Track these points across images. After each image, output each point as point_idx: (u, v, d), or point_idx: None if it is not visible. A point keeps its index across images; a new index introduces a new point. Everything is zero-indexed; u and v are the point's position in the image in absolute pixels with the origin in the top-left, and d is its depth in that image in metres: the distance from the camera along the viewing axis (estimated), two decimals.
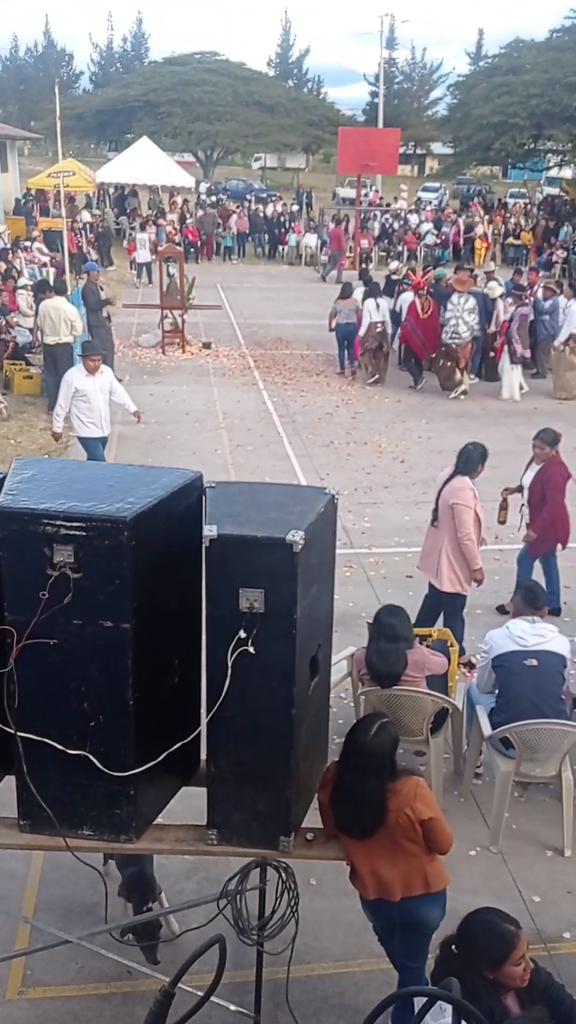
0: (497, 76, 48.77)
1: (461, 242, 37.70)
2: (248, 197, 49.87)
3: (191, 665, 4.37)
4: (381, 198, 49.20)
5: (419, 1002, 2.89)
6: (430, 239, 38.01)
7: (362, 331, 18.58)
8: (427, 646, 6.92)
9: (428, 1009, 2.57)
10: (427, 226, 39.56)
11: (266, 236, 40.10)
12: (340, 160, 37.30)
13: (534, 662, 6.28)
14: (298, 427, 15.72)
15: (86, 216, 36.81)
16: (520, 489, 9.19)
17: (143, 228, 32.83)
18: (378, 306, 18.40)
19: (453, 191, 60.54)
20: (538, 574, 9.13)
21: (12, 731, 3.94)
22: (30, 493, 3.85)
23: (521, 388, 18.18)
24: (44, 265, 24.63)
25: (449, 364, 17.89)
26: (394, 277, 21.78)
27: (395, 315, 19.36)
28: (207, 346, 21.58)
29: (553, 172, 59.21)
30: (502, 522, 9.24)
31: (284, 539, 3.72)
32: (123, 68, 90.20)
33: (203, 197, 48.11)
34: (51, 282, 18.48)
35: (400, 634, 6.33)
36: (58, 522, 3.68)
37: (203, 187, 52.75)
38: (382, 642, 6.33)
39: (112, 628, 3.77)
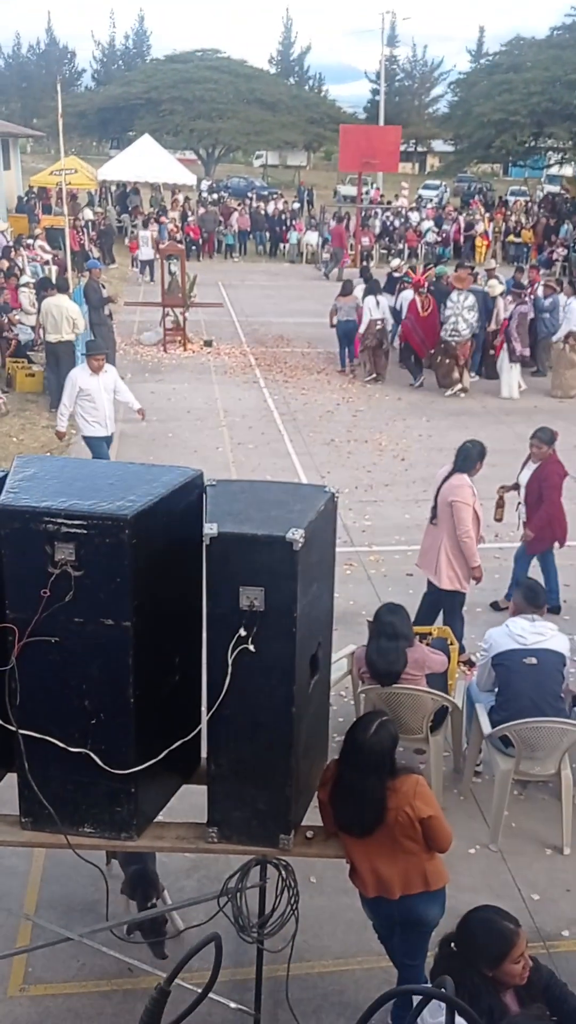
0: (498, 74, 48.74)
1: (462, 240, 37.69)
2: (249, 195, 49.83)
3: (192, 663, 4.38)
4: (382, 196, 49.17)
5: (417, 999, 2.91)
6: (431, 237, 38.01)
7: (362, 328, 18.59)
8: (427, 644, 6.92)
9: (423, 1007, 2.57)
10: (428, 224, 39.55)
11: (267, 234, 40.10)
12: (341, 158, 37.29)
13: (534, 660, 6.29)
14: (299, 425, 15.73)
15: (88, 214, 36.80)
16: (516, 487, 9.21)
17: (146, 225, 32.81)
18: (378, 303, 18.41)
19: (454, 189, 60.48)
20: (535, 572, 9.14)
21: (14, 729, 3.95)
22: (31, 491, 3.86)
23: (520, 387, 18.18)
24: (46, 263, 24.61)
25: (448, 361, 17.89)
26: (396, 274, 21.80)
27: (396, 313, 19.38)
28: (208, 344, 21.58)
29: (554, 170, 59.14)
30: (499, 519, 9.25)
31: (284, 537, 3.73)
32: (125, 66, 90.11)
33: (204, 195, 48.06)
34: (53, 280, 18.49)
35: (400, 632, 6.34)
36: (59, 520, 3.69)
37: (204, 185, 52.70)
38: (382, 640, 6.34)
39: (113, 626, 3.78)
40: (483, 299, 18.25)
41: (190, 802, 4.55)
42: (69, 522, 3.69)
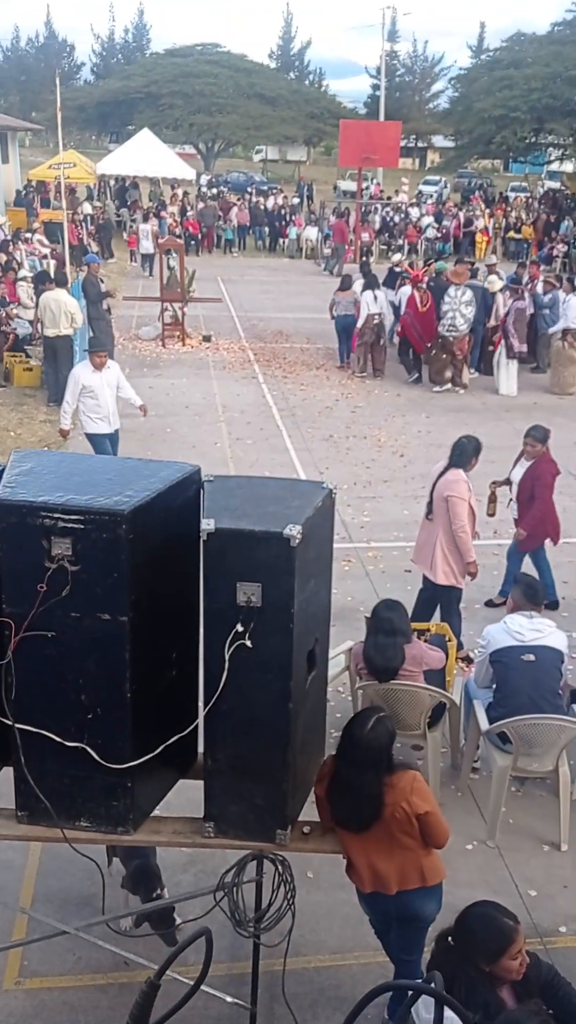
0: (498, 69, 48.66)
1: (461, 236, 37.68)
2: (249, 190, 49.83)
3: (189, 658, 4.39)
4: (382, 191, 49.13)
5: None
6: (431, 233, 38.00)
7: (360, 323, 18.60)
8: (425, 641, 6.92)
9: (413, 1001, 2.58)
10: (428, 220, 39.54)
11: (267, 229, 40.11)
12: (341, 153, 37.24)
13: (531, 657, 6.29)
14: (298, 421, 15.72)
15: (87, 208, 36.76)
16: (508, 482, 9.23)
17: (146, 219, 32.79)
18: (375, 298, 18.43)
19: (454, 185, 60.46)
20: (528, 568, 9.15)
21: (10, 723, 3.95)
22: (28, 486, 3.86)
23: (473, 374, 18.36)
24: (44, 257, 24.63)
25: (444, 356, 17.89)
26: (397, 269, 21.80)
27: (396, 308, 19.39)
28: (207, 339, 21.58)
29: (554, 166, 59.15)
30: (491, 515, 9.26)
31: (281, 533, 3.73)
32: (124, 59, 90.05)
33: (204, 189, 48.04)
34: (52, 274, 18.48)
35: (398, 628, 6.34)
36: (56, 515, 3.69)
37: (204, 179, 52.69)
38: (380, 636, 6.34)
39: (110, 621, 3.78)
40: (482, 295, 18.24)
41: (187, 797, 4.55)
42: (66, 517, 3.69)
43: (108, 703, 3.90)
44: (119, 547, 3.69)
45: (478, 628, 7.55)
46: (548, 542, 9.18)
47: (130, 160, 34.88)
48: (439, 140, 76.50)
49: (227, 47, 68.03)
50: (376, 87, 74.56)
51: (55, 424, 14.86)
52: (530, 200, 48.58)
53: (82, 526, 3.68)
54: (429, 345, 18.09)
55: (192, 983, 2.76)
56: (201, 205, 40.31)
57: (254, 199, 43.64)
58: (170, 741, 4.17)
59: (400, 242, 36.98)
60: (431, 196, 52.02)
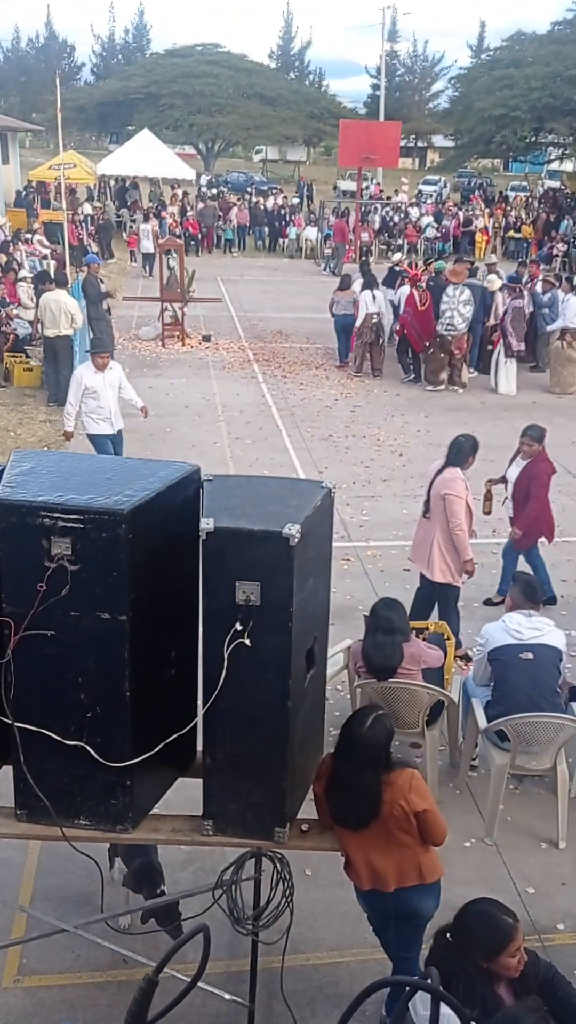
0: (499, 69, 48.64)
1: (460, 235, 37.68)
2: (249, 190, 49.87)
3: (188, 657, 4.41)
4: (382, 191, 49.13)
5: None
6: (430, 232, 38.00)
7: (358, 322, 18.63)
8: (423, 639, 6.95)
9: (410, 996, 2.60)
10: (427, 219, 39.54)
11: (266, 229, 40.13)
12: (341, 153, 37.18)
13: (530, 655, 6.31)
14: (297, 420, 15.74)
15: (87, 208, 36.78)
16: (503, 480, 9.25)
17: (146, 219, 32.80)
18: (374, 298, 18.46)
19: (454, 184, 60.44)
20: (522, 566, 9.18)
21: (10, 722, 3.97)
22: (28, 485, 3.88)
23: (472, 373, 18.51)
24: (45, 257, 24.64)
25: (442, 356, 17.91)
26: (397, 268, 21.81)
27: (395, 307, 19.41)
28: (207, 339, 21.59)
29: (554, 165, 59.11)
30: (487, 512, 9.28)
31: (280, 532, 3.75)
32: (124, 60, 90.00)
33: (204, 189, 48.04)
34: (52, 274, 18.49)
35: (397, 627, 6.36)
36: (56, 514, 3.71)
37: (204, 179, 52.71)
38: (378, 635, 6.36)
39: (109, 620, 3.80)
40: (481, 294, 18.26)
41: (186, 795, 4.58)
42: (66, 516, 3.70)
43: (107, 702, 3.92)
44: (118, 546, 3.70)
45: (476, 626, 7.57)
46: (542, 539, 9.21)
47: (130, 160, 34.91)
48: (439, 140, 76.45)
49: (227, 47, 68.09)
50: (376, 87, 74.55)
51: (55, 424, 14.90)
52: (530, 199, 48.58)
53: (82, 526, 3.70)
54: (428, 344, 18.10)
55: (189, 980, 2.78)
56: (201, 205, 40.31)
57: (254, 199, 43.66)
58: (169, 739, 4.19)
59: (400, 242, 37.00)
60: (431, 196, 52.02)
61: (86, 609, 3.80)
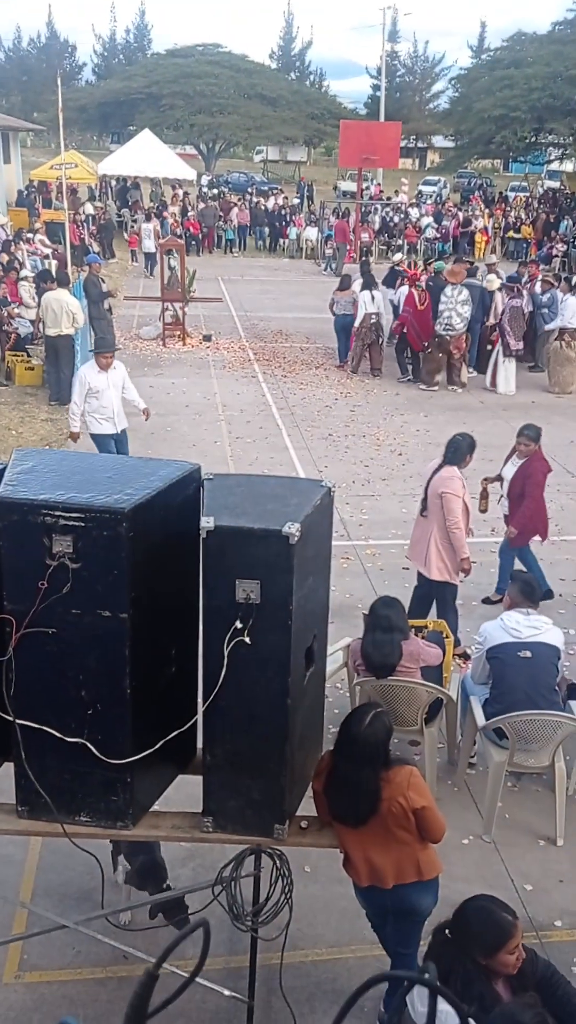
0: (499, 69, 48.65)
1: (459, 235, 37.70)
2: (249, 190, 49.83)
3: (188, 655, 4.43)
4: (382, 191, 49.14)
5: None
6: (430, 233, 38.02)
7: (357, 322, 18.66)
8: (422, 637, 6.97)
9: (407, 992, 2.62)
10: (427, 220, 39.55)
11: (267, 229, 40.14)
12: (341, 153, 37.18)
13: (528, 654, 6.33)
14: (297, 420, 15.76)
15: (89, 208, 36.79)
16: (499, 479, 9.29)
17: (148, 219, 32.82)
18: (373, 298, 18.49)
19: (454, 185, 60.45)
20: (517, 564, 9.22)
21: (11, 719, 3.99)
22: (30, 484, 3.90)
23: (472, 373, 18.57)
24: (46, 257, 24.65)
25: (440, 356, 17.93)
26: (398, 268, 21.83)
27: (395, 307, 19.44)
28: (207, 339, 21.61)
29: (554, 166, 59.15)
30: (483, 511, 9.30)
31: (280, 531, 3.77)
32: (126, 60, 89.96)
33: (204, 190, 48.06)
34: (54, 273, 18.51)
35: (395, 625, 6.38)
36: (57, 513, 3.73)
37: (205, 180, 52.71)
38: (377, 633, 6.38)
39: (110, 618, 3.82)
40: (480, 294, 18.28)
41: (186, 792, 4.60)
42: (67, 515, 3.72)
43: (108, 699, 3.94)
44: (119, 545, 3.72)
45: (475, 625, 7.60)
46: (535, 537, 9.25)
47: (131, 160, 34.91)
48: (439, 140, 76.41)
49: (228, 47, 68.06)
50: (376, 87, 74.57)
51: (56, 423, 14.94)
52: (529, 200, 48.59)
53: (83, 524, 3.72)
54: (427, 345, 18.13)
55: (188, 975, 2.80)
56: (202, 205, 40.33)
57: (254, 199, 43.67)
58: (169, 737, 4.21)
59: (400, 242, 37.01)
60: (431, 196, 52.03)
61: (87, 607, 3.82)
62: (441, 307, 17.43)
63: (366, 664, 6.46)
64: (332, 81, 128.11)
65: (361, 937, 5.33)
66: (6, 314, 18.29)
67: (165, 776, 4.50)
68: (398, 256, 24.72)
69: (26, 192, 40.37)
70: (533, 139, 48.82)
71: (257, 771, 4.12)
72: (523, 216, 41.73)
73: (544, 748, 6.34)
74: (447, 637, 7.34)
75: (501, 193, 51.23)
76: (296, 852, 4.74)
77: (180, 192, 41.60)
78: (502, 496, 9.27)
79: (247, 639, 3.89)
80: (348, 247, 33.43)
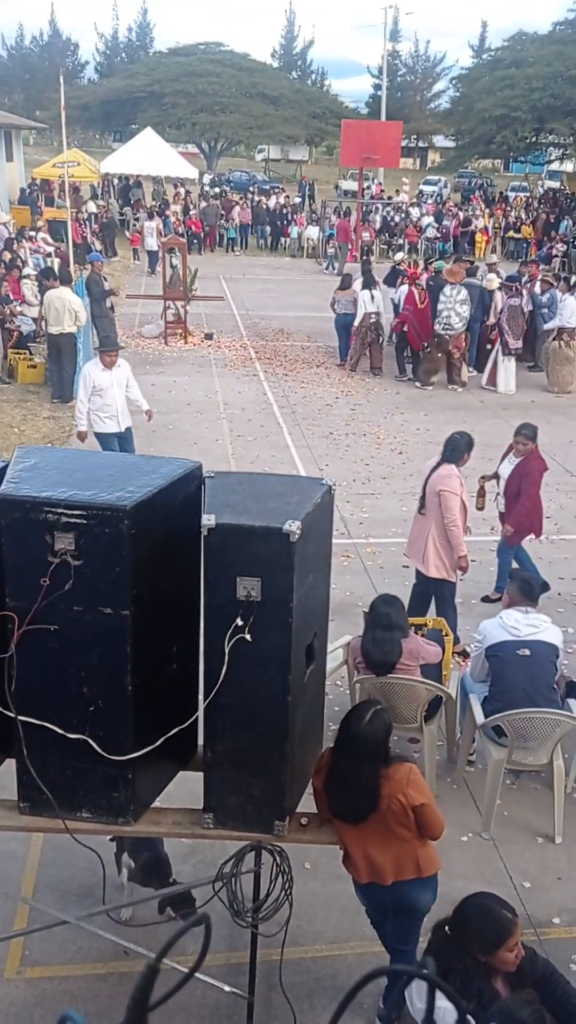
0: (500, 69, 48.67)
1: (459, 235, 37.71)
2: (251, 189, 49.83)
3: (189, 652, 4.44)
4: (383, 191, 49.15)
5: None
6: (431, 232, 38.02)
7: (357, 321, 18.67)
8: (422, 635, 6.99)
9: (406, 985, 2.64)
10: (428, 219, 39.56)
11: (268, 228, 40.14)
12: (343, 153, 37.28)
13: (527, 652, 6.35)
14: (298, 418, 15.78)
15: (91, 206, 36.79)
16: (496, 477, 9.31)
17: (151, 217, 32.82)
18: (372, 297, 18.50)
19: (455, 184, 60.44)
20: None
21: (13, 715, 4.01)
22: (32, 481, 3.91)
23: (472, 372, 18.55)
24: (49, 255, 24.66)
25: (440, 355, 17.95)
26: (400, 268, 21.85)
27: (396, 306, 19.45)
28: (209, 337, 21.62)
29: (555, 166, 59.16)
30: (480, 508, 9.32)
31: (281, 529, 3.78)
32: (128, 58, 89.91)
33: (206, 188, 48.07)
34: (56, 271, 18.53)
35: (395, 623, 6.39)
36: (59, 510, 3.74)
37: (206, 178, 52.72)
38: (377, 631, 6.39)
39: (112, 615, 3.83)
40: (480, 293, 18.29)
41: (187, 789, 4.62)
42: (69, 512, 3.74)
43: (109, 696, 3.95)
44: (121, 542, 3.74)
45: (474, 623, 7.61)
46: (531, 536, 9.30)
47: (133, 159, 34.93)
48: (440, 140, 76.42)
49: (230, 46, 68.07)
50: (378, 87, 74.51)
51: (59, 421, 14.96)
52: (530, 200, 48.59)
53: (85, 521, 3.73)
54: (426, 344, 18.14)
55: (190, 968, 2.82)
56: (204, 204, 40.34)
57: (256, 198, 43.68)
58: (170, 734, 4.22)
59: (400, 241, 37.02)
60: (431, 196, 52.03)
61: (89, 604, 3.83)
62: (440, 307, 17.45)
63: (366, 662, 6.47)
64: (333, 80, 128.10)
65: (361, 934, 5.35)
66: (8, 312, 18.31)
67: (166, 773, 4.52)
68: (400, 255, 24.74)
69: (28, 190, 40.34)
70: (534, 139, 48.86)
71: (258, 768, 4.14)
72: (523, 216, 41.73)
73: (543, 746, 6.36)
74: (447, 635, 7.36)
75: (501, 193, 51.21)
76: (296, 849, 4.77)
77: (182, 191, 41.59)
78: (498, 494, 9.30)
79: (248, 636, 3.90)
80: (350, 246, 33.44)
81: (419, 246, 37.02)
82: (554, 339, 18.40)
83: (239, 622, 3.90)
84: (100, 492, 3.80)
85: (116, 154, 36.90)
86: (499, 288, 18.76)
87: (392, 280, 20.71)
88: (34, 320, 18.82)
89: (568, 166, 57.92)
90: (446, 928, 4.18)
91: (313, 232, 37.93)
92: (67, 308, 15.64)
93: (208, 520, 3.84)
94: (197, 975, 2.59)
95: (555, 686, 6.46)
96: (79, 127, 64.33)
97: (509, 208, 44.06)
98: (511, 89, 44.65)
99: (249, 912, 4.50)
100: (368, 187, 45.50)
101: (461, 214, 39.41)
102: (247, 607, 3.89)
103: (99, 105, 62.28)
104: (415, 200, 46.78)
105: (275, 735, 4.08)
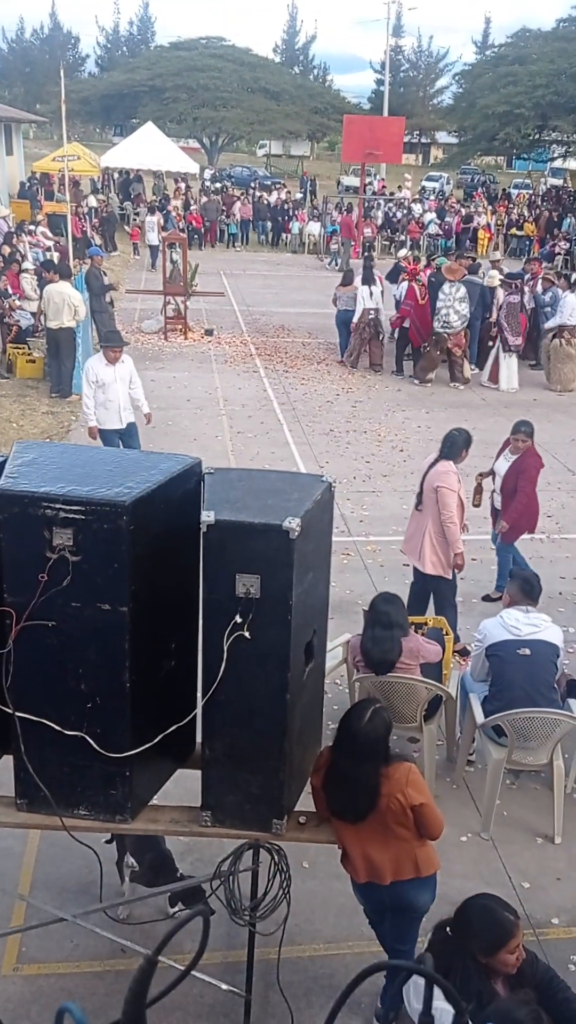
0: (503, 66, 48.73)
1: (461, 231, 37.70)
2: (252, 184, 49.78)
3: (188, 649, 4.42)
4: (385, 187, 49.11)
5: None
6: (433, 228, 38.00)
7: (355, 317, 18.66)
8: (422, 634, 6.97)
9: (403, 982, 2.62)
10: (430, 216, 39.54)
11: (269, 224, 40.12)
12: (344, 148, 37.13)
13: (527, 651, 6.33)
14: (298, 415, 15.76)
15: (91, 201, 36.76)
16: (492, 474, 9.30)
17: (152, 212, 32.79)
18: (371, 294, 18.48)
19: (457, 181, 60.44)
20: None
21: (10, 711, 3.99)
22: (31, 476, 3.89)
23: (473, 370, 18.52)
24: (48, 249, 24.64)
25: (438, 353, 17.93)
26: (401, 264, 21.83)
27: (398, 302, 19.42)
28: (209, 333, 21.60)
29: (557, 163, 59.18)
30: (477, 505, 9.31)
31: (281, 526, 3.76)
32: (129, 52, 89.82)
33: (207, 184, 48.04)
34: (56, 264, 18.50)
35: (395, 622, 6.37)
36: (58, 505, 3.72)
37: (208, 173, 52.68)
38: (377, 629, 6.37)
39: (110, 611, 3.81)
40: (480, 291, 18.26)
41: (185, 786, 4.60)
42: (67, 507, 3.72)
43: (108, 692, 3.93)
44: (120, 538, 3.72)
45: (474, 622, 7.59)
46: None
47: (134, 154, 34.85)
48: (443, 136, 76.53)
49: (232, 41, 68.12)
50: (380, 82, 74.45)
51: (57, 416, 14.94)
52: (532, 197, 48.58)
53: (83, 517, 3.71)
54: (426, 342, 18.12)
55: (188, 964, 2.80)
56: (204, 199, 40.32)
57: (257, 194, 43.64)
58: (168, 731, 4.21)
59: (402, 238, 36.99)
60: (434, 192, 51.99)
61: (87, 600, 3.81)
62: (439, 304, 17.43)
63: (365, 660, 6.45)
64: (336, 76, 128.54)
65: (359, 933, 5.34)
66: (7, 306, 18.27)
67: (164, 770, 4.50)
68: (403, 252, 24.71)
69: (28, 184, 40.33)
70: (537, 136, 48.86)
71: (256, 766, 4.12)
72: (526, 213, 41.71)
73: (543, 746, 6.34)
74: (447, 634, 7.35)
75: (504, 190, 51.22)
76: (294, 847, 4.74)
77: (183, 186, 41.56)
78: (494, 491, 9.28)
79: (247, 634, 3.89)
80: (353, 242, 33.42)
81: (421, 242, 36.98)
82: (555, 337, 18.36)
83: (238, 619, 3.88)
84: (99, 488, 3.78)
85: (116, 148, 36.80)
86: (500, 285, 18.73)
87: (394, 277, 20.69)
88: (33, 315, 18.78)
89: (571, 163, 57.94)
90: (447, 929, 4.17)
91: (314, 228, 37.92)
92: (66, 303, 15.62)
93: (207, 516, 3.82)
94: (194, 973, 2.57)
95: (555, 685, 6.44)
96: (79, 121, 64.41)
97: (512, 205, 44.04)
98: (514, 86, 44.68)
99: (247, 910, 4.49)
100: (370, 183, 45.45)
101: (463, 211, 39.38)
102: (246, 604, 3.87)
103: (99, 99, 62.30)
104: (417, 196, 46.74)
105: (274, 733, 4.06)
